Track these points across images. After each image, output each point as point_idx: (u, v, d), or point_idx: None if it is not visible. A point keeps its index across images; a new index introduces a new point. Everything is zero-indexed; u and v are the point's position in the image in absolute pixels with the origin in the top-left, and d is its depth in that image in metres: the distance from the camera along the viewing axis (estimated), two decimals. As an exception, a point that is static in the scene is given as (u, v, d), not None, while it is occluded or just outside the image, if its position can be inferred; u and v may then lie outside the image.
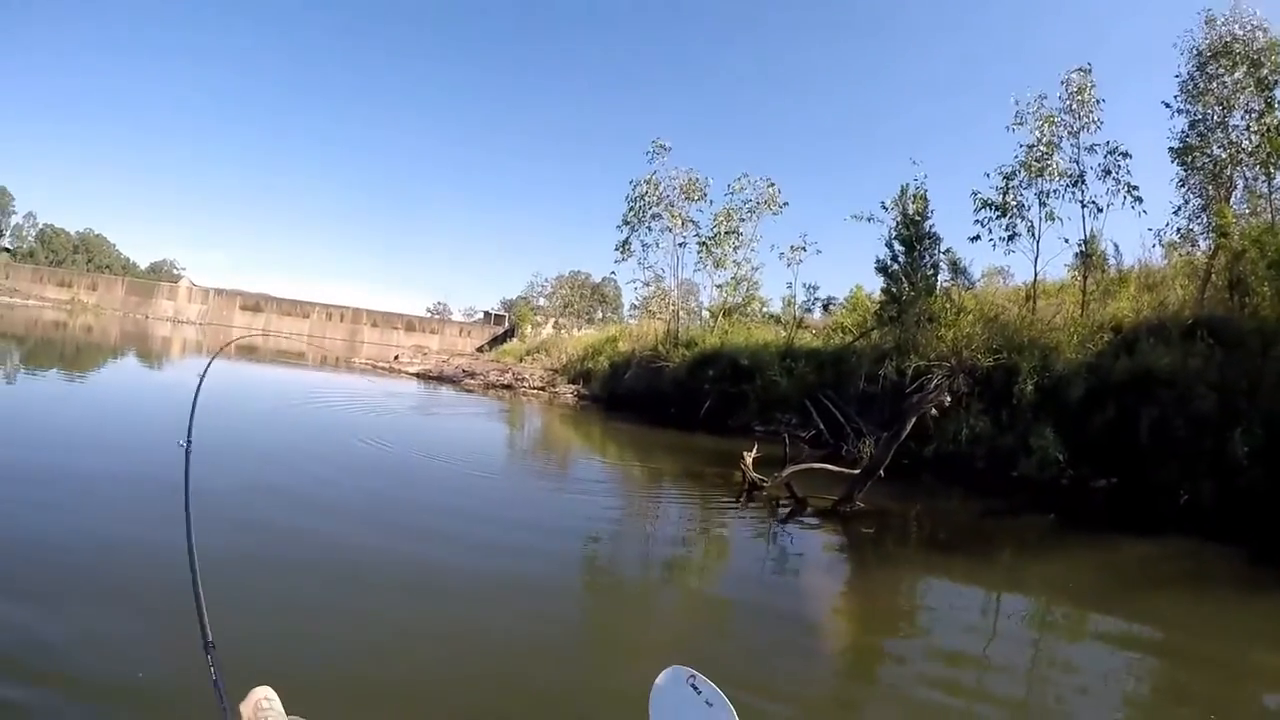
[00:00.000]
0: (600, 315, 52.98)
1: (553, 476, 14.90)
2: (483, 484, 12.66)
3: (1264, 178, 19.01)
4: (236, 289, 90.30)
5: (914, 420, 12.99)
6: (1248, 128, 19.28)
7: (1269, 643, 7.69)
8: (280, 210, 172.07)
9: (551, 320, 54.28)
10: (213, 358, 5.69)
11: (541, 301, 60.13)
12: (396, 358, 47.75)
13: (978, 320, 20.23)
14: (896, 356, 20.13)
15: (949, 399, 12.71)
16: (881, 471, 12.45)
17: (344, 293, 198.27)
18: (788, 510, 12.14)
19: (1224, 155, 19.52)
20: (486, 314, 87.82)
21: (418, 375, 38.07)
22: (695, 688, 2.45)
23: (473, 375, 37.29)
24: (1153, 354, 16.00)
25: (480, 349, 64.30)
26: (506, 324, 71.28)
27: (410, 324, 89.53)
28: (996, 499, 15.02)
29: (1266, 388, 14.36)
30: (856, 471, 12.78)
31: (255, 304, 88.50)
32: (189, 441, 3.52)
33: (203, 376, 4.39)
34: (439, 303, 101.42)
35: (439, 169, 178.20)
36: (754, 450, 13.70)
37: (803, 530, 11.42)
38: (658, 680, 2.58)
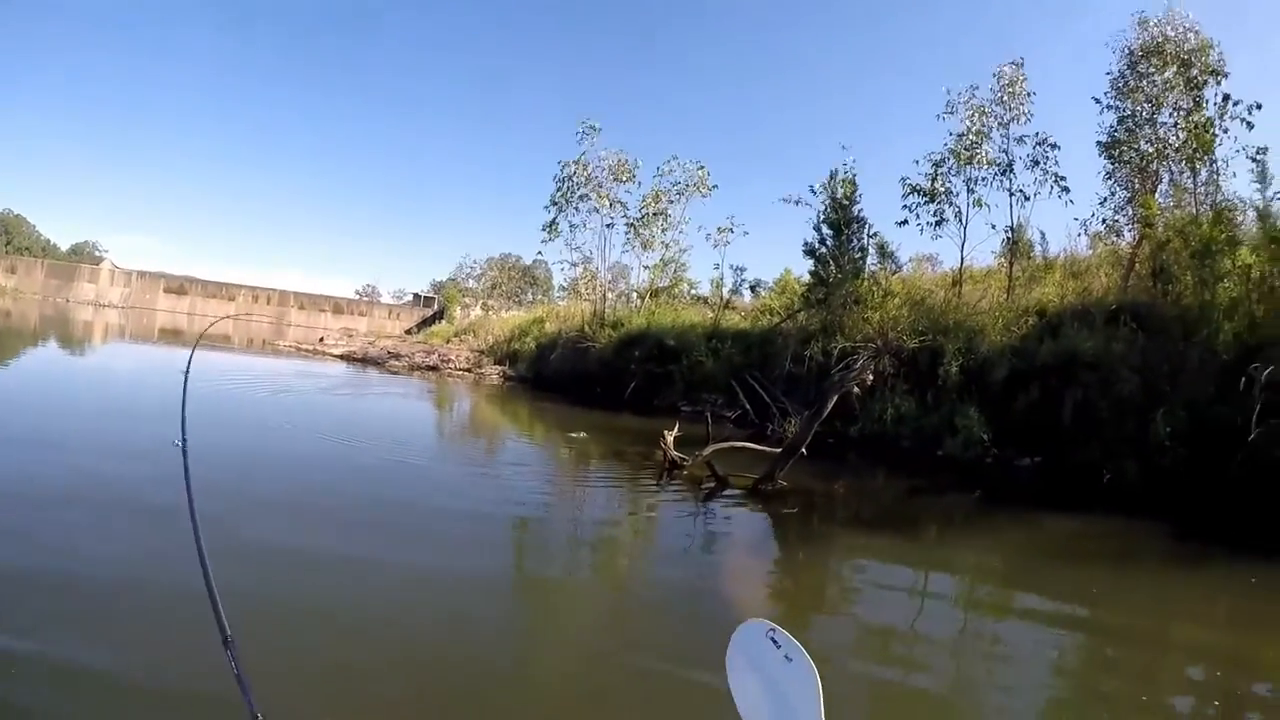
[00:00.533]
0: (531, 297, 52.11)
1: (472, 460, 14.21)
2: (401, 468, 11.89)
3: (1189, 172, 19.21)
4: (160, 271, 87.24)
5: (835, 399, 12.78)
6: (1175, 125, 19.50)
7: (1192, 616, 7.67)
8: (208, 193, 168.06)
9: (480, 302, 53.49)
10: (193, 350, 5.94)
11: (471, 284, 59.08)
12: (322, 339, 46.42)
13: (904, 303, 20.27)
14: (823, 338, 20.00)
15: (871, 378, 12.47)
16: (804, 450, 12.17)
17: (273, 277, 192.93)
18: (709, 490, 11.74)
19: (1151, 150, 19.72)
20: (416, 296, 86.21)
21: (342, 357, 37.08)
22: (774, 641, 2.32)
23: (398, 357, 36.47)
24: (1077, 338, 16.04)
25: (409, 331, 63.15)
26: (436, 306, 70.01)
27: (338, 306, 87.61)
28: (922, 478, 14.96)
29: (1188, 372, 14.47)
30: (779, 450, 12.44)
31: (179, 287, 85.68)
32: (184, 440, 3.45)
33: (187, 372, 4.49)
34: (368, 285, 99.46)
35: (370, 150, 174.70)
36: (675, 429, 13.39)
37: (724, 509, 10.97)
38: (735, 634, 2.44)
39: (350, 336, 52.77)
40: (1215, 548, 10.55)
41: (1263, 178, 16.96)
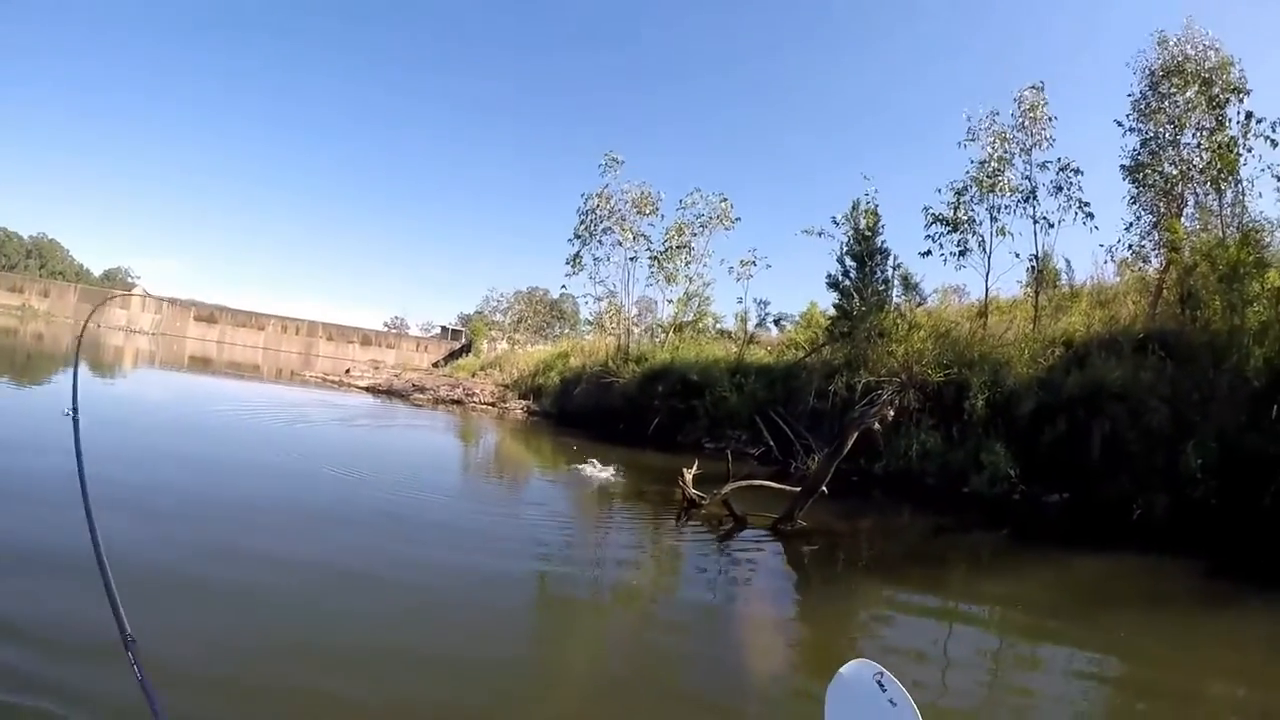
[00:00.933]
0: (558, 331, 52.14)
1: (488, 497, 13.97)
2: (421, 502, 11.76)
3: (1214, 194, 18.84)
4: (191, 299, 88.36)
5: (855, 436, 12.41)
6: (1199, 145, 19.16)
7: (1224, 665, 7.29)
8: (238, 220, 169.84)
9: (506, 336, 53.57)
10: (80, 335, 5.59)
11: (498, 317, 59.23)
12: (349, 371, 46.79)
13: (929, 336, 20.02)
14: (847, 372, 19.76)
15: (891, 413, 12.22)
16: (825, 489, 11.88)
17: (302, 307, 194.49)
18: (727, 529, 11.52)
19: (1175, 172, 19.38)
20: (444, 329, 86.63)
21: (368, 389, 37.25)
22: (881, 685, 2.28)
23: (422, 390, 36.58)
24: (1104, 368, 15.78)
25: (436, 364, 63.32)
26: (464, 339, 70.29)
27: (366, 338, 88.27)
28: (948, 515, 14.55)
29: (1219, 400, 14.19)
30: (799, 489, 12.20)
31: (210, 315, 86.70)
32: (75, 410, 3.29)
33: (77, 350, 4.54)
34: (396, 317, 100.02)
35: (401, 182, 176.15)
36: (694, 467, 13.11)
37: (742, 550, 10.74)
38: (840, 672, 2.41)
39: (377, 368, 53.03)
40: (1249, 587, 10.17)
41: None
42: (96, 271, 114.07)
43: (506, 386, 37.00)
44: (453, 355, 64.87)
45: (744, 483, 12.88)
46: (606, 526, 11.98)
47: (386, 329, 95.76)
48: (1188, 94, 19.31)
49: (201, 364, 43.07)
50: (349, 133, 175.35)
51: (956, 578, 10.66)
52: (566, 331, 46.67)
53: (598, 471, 15.35)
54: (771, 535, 11.33)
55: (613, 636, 6.96)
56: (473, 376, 43.79)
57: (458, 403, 33.80)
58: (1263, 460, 12.73)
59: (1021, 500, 15.06)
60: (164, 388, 27.65)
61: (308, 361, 68.80)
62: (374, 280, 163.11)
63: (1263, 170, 17.92)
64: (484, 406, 33.42)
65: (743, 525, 11.60)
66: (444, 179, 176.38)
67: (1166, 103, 19.69)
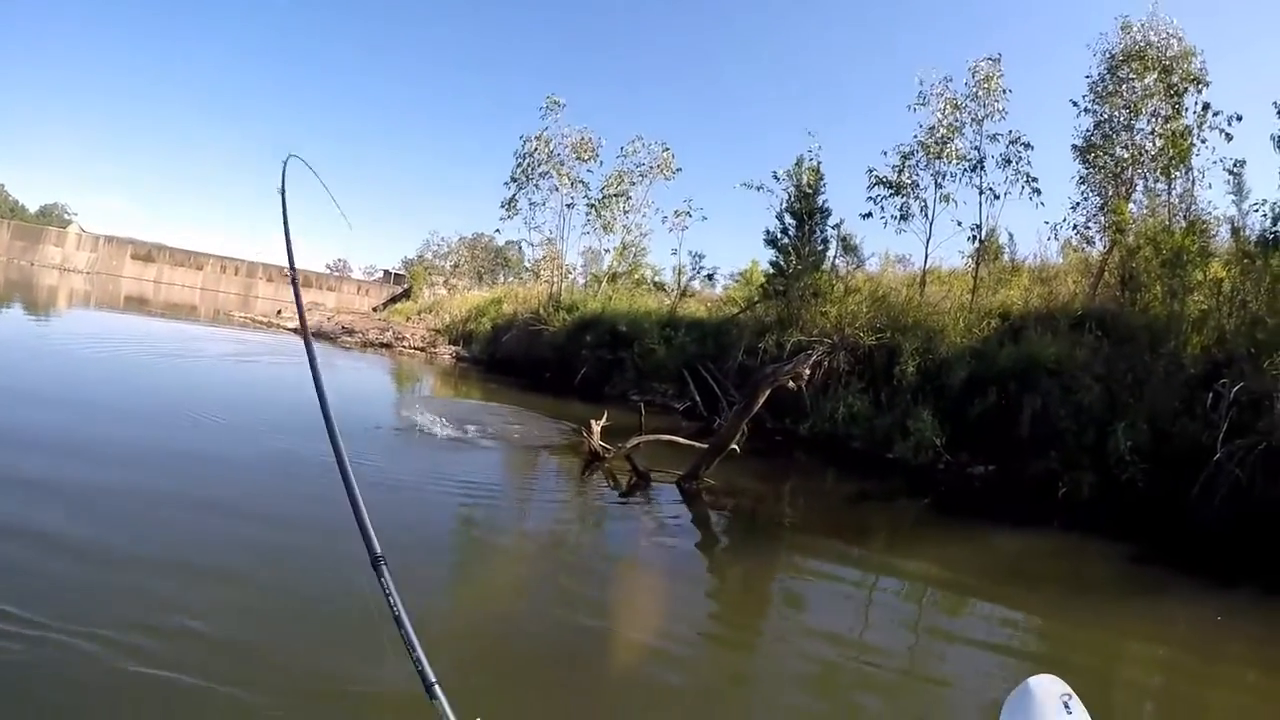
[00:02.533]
0: (502, 279, 50.32)
1: (375, 436, 12.53)
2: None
3: (1164, 181, 18.27)
4: (130, 237, 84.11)
5: (766, 393, 11.46)
6: (1153, 132, 18.59)
7: (1141, 652, 7.04)
8: (184, 157, 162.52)
9: (443, 281, 51.90)
10: None
11: (442, 263, 57.29)
12: (279, 313, 44.90)
13: (865, 299, 19.34)
14: (778, 330, 19.12)
15: (808, 371, 11.38)
16: (737, 447, 11.10)
17: (242, 246, 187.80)
18: (631, 485, 10.92)
19: (1126, 156, 18.79)
20: (386, 273, 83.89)
21: (296, 331, 35.60)
22: (1067, 706, 1.94)
23: (351, 333, 35.25)
24: (1039, 342, 15.24)
25: (376, 308, 61.24)
26: (406, 284, 68.14)
27: (307, 280, 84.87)
28: (871, 481, 14.05)
29: (1153, 384, 13.60)
30: (707, 446, 11.49)
31: (147, 254, 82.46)
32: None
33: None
34: (339, 260, 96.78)
35: (346, 120, 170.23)
36: (603, 418, 12.44)
37: (644, 508, 10.18)
38: (1021, 688, 2.08)
39: (317, 311, 51.12)
40: (1172, 576, 9.62)
41: (1239, 190, 16.31)
42: (32, 208, 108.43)
43: (438, 331, 35.71)
44: (394, 300, 62.81)
45: (651, 437, 12.15)
46: (494, 479, 10.94)
47: (328, 271, 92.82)
48: (1146, 80, 18.67)
49: (137, 304, 41.00)
50: (296, 71, 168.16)
51: (876, 546, 10.08)
52: (510, 280, 44.92)
53: (440, 427, 12.99)
54: (677, 493, 10.71)
55: (481, 592, 6.55)
56: (407, 321, 42.41)
57: (386, 346, 32.76)
58: (1194, 448, 12.12)
59: (946, 470, 14.45)
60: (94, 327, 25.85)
61: (246, 303, 66.06)
62: (318, 222, 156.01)
63: (1214, 162, 17.40)
64: (413, 351, 32.36)
65: (645, 481, 10.95)
66: (391, 119, 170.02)
67: (1124, 87, 19.04)
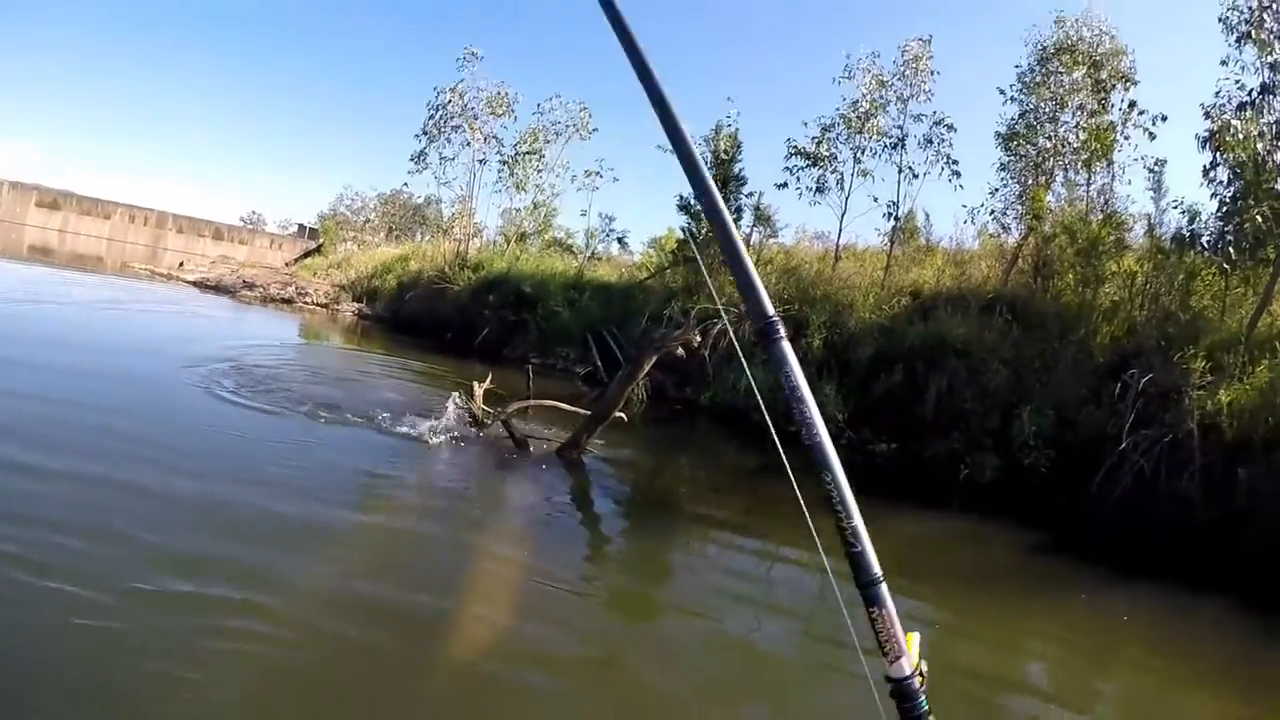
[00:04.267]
0: (420, 237, 48.10)
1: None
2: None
3: (1084, 173, 18.08)
4: (35, 183, 78.50)
5: (652, 360, 10.58)
6: (1077, 125, 18.36)
7: (1040, 648, 6.78)
8: (101, 101, 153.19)
9: (354, 237, 49.66)
10: None
11: (355, 217, 54.81)
12: (181, 265, 42.60)
13: (775, 270, 18.66)
14: (684, 297, 18.36)
15: (698, 337, 10.49)
16: (623, 415, 10.40)
17: (154, 193, 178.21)
18: (508, 452, 10.03)
19: (1049, 146, 18.49)
20: (301, 227, 79.79)
21: (195, 284, 33.76)
22: None
23: (251, 287, 33.30)
24: (949, 322, 14.74)
25: (289, 263, 58.56)
26: (320, 239, 65.29)
27: (219, 232, 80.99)
28: (773, 455, 12.75)
29: (1061, 370, 13.30)
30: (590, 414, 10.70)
31: (53, 201, 76.92)
32: None
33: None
34: (253, 212, 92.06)
35: (269, 67, 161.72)
36: (486, 380, 11.43)
37: (520, 476, 9.43)
38: None
39: (220, 264, 48.54)
40: (1077, 568, 9.13)
41: (1158, 188, 16.48)
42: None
43: (342, 288, 33.93)
44: (306, 255, 60.10)
45: (534, 402, 11.40)
46: (360, 444, 9.55)
47: (242, 224, 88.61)
48: (1075, 74, 18.35)
49: (42, 254, 38.10)
50: (214, 14, 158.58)
51: (774, 525, 9.01)
52: (429, 238, 42.90)
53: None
54: (559, 463, 9.94)
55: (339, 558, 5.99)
56: (313, 276, 40.46)
57: (288, 301, 30.88)
58: (1099, 437, 11.77)
59: (848, 446, 13.80)
60: None
61: (155, 255, 62.48)
62: (234, 170, 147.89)
63: (1136, 159, 17.34)
64: (315, 307, 30.68)
65: (524, 448, 10.12)
66: (314, 70, 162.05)
67: (1052, 79, 18.72)
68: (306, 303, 31.17)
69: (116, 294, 22.59)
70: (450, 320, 24.42)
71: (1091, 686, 6.09)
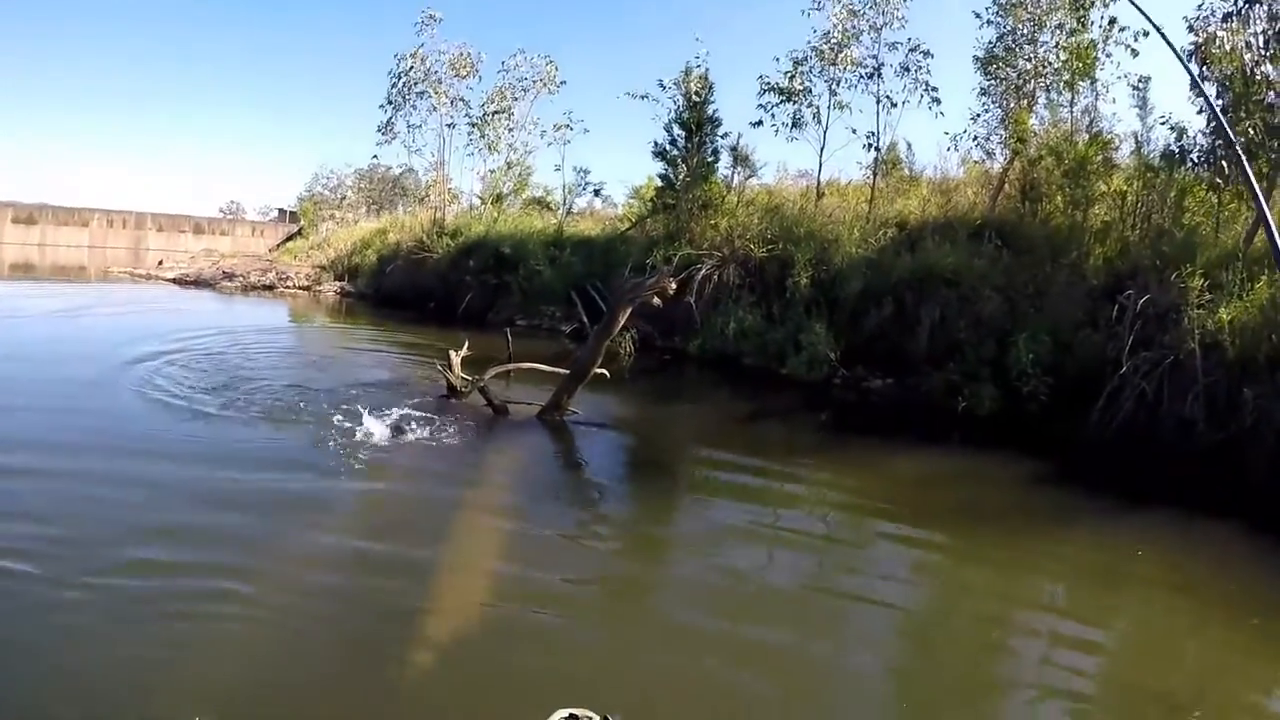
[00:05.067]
0: (402, 209, 47.17)
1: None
2: None
3: (1067, 93, 17.37)
4: (10, 200, 76.70)
5: (628, 312, 10.16)
6: (1057, 45, 17.57)
7: (1035, 591, 6.40)
8: (66, 107, 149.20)
9: (329, 215, 48.68)
10: None
11: (332, 195, 53.51)
12: (160, 263, 41.73)
13: (756, 210, 18.08)
14: (666, 245, 17.73)
15: (673, 285, 10.05)
16: (604, 371, 10.13)
17: (132, 197, 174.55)
18: (488, 419, 9.74)
19: (1029, 68, 17.72)
20: (281, 212, 78.53)
21: (175, 280, 33.00)
22: None
23: (231, 277, 32.68)
24: (937, 252, 14.27)
25: (273, 249, 57.59)
26: (301, 222, 64.12)
27: (199, 226, 79.55)
28: (766, 399, 13.31)
29: (1055, 295, 12.88)
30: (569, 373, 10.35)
31: (29, 216, 74.79)
32: None
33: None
34: (231, 202, 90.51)
35: (231, 53, 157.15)
36: (464, 348, 11.25)
37: (502, 442, 9.13)
38: None
39: (201, 257, 47.60)
40: (1075, 498, 8.67)
41: (1143, 106, 15.67)
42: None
43: (322, 268, 33.30)
44: (289, 239, 59.06)
45: (511, 366, 11.37)
46: (341, 417, 9.11)
47: (222, 215, 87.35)
48: (1053, -7, 17.56)
49: (24, 270, 37.36)
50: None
51: (772, 472, 9.08)
52: (411, 209, 42.01)
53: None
54: (542, 425, 9.71)
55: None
56: (294, 260, 39.78)
57: (269, 288, 30.43)
58: (1098, 361, 11.42)
59: (842, 385, 13.63)
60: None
61: (138, 256, 61.17)
62: (210, 159, 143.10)
63: (1119, 78, 16.68)
64: (297, 290, 30.19)
65: (503, 414, 9.83)
66: (273, 48, 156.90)
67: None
68: (288, 287, 30.67)
69: (88, 301, 21.92)
70: (432, 289, 24.03)
71: (1101, 605, 5.94)
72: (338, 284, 30.47)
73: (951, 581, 6.20)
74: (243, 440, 8.12)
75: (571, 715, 2.44)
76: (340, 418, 8.91)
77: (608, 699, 3.26)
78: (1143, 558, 6.85)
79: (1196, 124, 13.68)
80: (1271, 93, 12.86)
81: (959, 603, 5.80)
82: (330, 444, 7.98)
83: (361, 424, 8.59)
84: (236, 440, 8.10)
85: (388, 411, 9.17)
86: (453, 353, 10.79)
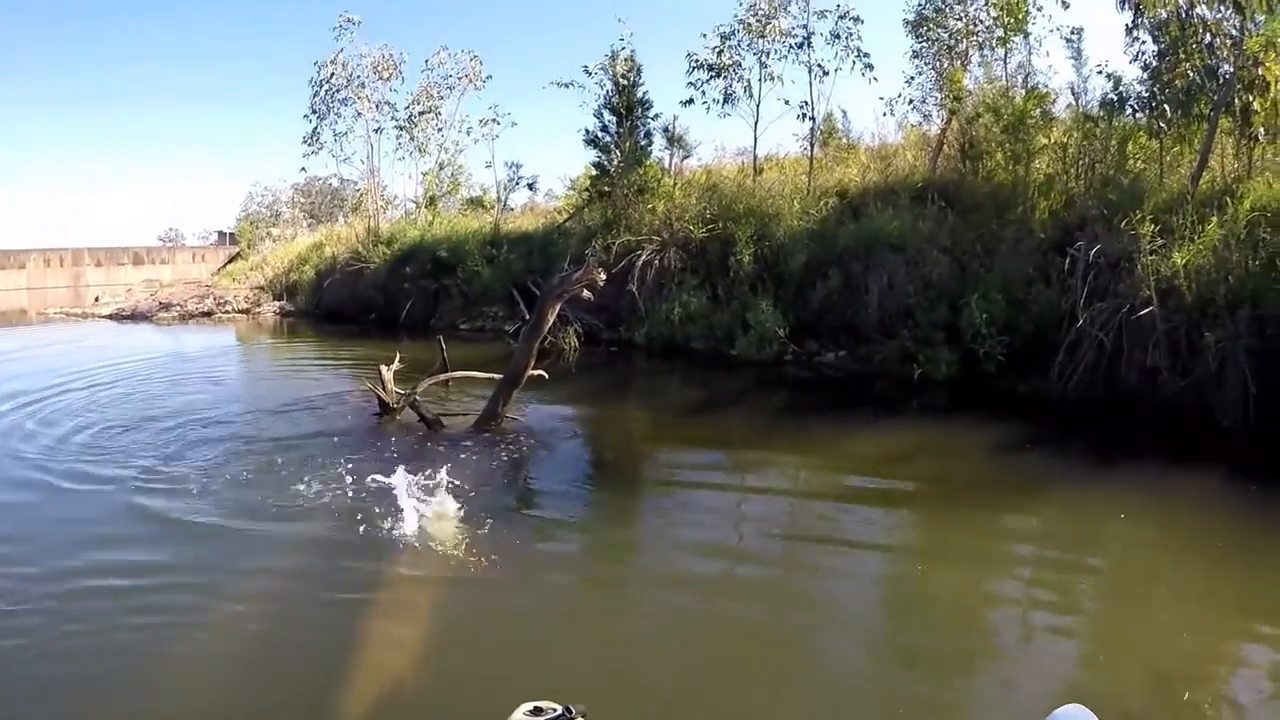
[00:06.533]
0: (343, 221, 46.04)
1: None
2: None
3: (1000, 49, 17.14)
4: None
5: (557, 308, 9.61)
6: (987, 2, 17.20)
7: (1020, 546, 6.34)
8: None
9: (265, 232, 47.35)
10: None
11: (265, 211, 52.00)
12: (97, 299, 40.25)
13: (692, 190, 17.63)
14: (605, 234, 17.14)
15: (603, 276, 9.44)
16: (543, 373, 9.62)
17: (71, 234, 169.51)
18: (423, 436, 9.00)
19: (961, 27, 17.36)
20: (221, 234, 76.70)
21: (111, 316, 31.61)
22: None
23: (169, 307, 31.36)
24: (880, 218, 13.93)
25: (216, 273, 56.00)
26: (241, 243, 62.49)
27: (138, 256, 77.11)
28: (718, 383, 12.95)
29: (1004, 252, 12.62)
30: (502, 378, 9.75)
31: None
32: None
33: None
34: (170, 229, 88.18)
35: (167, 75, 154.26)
36: (395, 361, 10.47)
37: (431, 460, 7.85)
38: (1055, 715, 2.25)
39: (147, 288, 46.07)
40: (1053, 458, 8.42)
41: (1078, 57, 15.36)
42: None
43: (261, 288, 32.24)
44: (230, 261, 57.49)
45: (442, 376, 10.44)
46: (266, 451, 8.34)
47: (161, 243, 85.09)
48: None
49: None
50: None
51: (730, 461, 8.86)
52: (348, 220, 40.89)
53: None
54: (482, 437, 8.95)
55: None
56: (234, 282, 38.58)
57: (208, 314, 29.39)
58: (1053, 315, 11.24)
59: (795, 362, 13.41)
60: None
61: (78, 294, 58.96)
62: (141, 188, 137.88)
63: (1052, 30, 16.34)
64: (236, 314, 29.21)
65: (437, 429, 9.17)
66: (195, 67, 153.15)
67: (957, -41, 17.57)
68: (226, 312, 29.68)
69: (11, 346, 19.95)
70: (372, 300, 23.16)
71: (1079, 565, 5.83)
72: (277, 304, 29.40)
73: (926, 559, 5.91)
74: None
75: (536, 707, 2.44)
76: (253, 452, 8.16)
77: (573, 692, 2.93)
78: (1120, 518, 6.54)
79: (1131, 73, 13.44)
80: (1209, 35, 12.59)
81: (936, 580, 5.46)
82: (245, 485, 7.14)
83: (279, 459, 7.84)
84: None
85: (308, 440, 8.55)
86: (384, 367, 10.02)
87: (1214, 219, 10.44)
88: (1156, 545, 6.12)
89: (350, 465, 7.52)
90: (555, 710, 2.47)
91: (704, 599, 5.10)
